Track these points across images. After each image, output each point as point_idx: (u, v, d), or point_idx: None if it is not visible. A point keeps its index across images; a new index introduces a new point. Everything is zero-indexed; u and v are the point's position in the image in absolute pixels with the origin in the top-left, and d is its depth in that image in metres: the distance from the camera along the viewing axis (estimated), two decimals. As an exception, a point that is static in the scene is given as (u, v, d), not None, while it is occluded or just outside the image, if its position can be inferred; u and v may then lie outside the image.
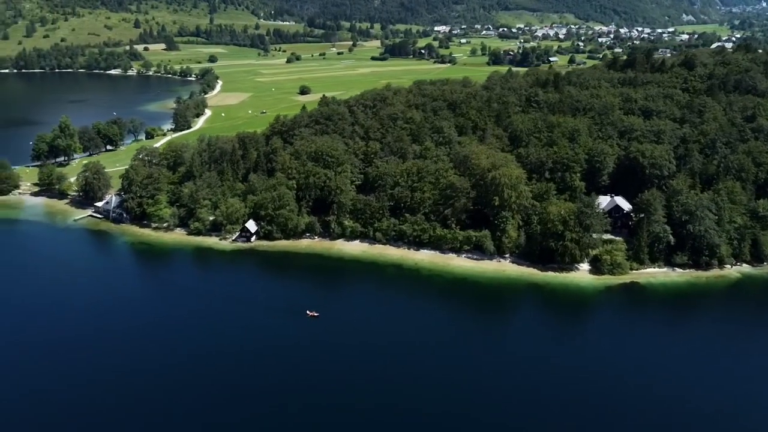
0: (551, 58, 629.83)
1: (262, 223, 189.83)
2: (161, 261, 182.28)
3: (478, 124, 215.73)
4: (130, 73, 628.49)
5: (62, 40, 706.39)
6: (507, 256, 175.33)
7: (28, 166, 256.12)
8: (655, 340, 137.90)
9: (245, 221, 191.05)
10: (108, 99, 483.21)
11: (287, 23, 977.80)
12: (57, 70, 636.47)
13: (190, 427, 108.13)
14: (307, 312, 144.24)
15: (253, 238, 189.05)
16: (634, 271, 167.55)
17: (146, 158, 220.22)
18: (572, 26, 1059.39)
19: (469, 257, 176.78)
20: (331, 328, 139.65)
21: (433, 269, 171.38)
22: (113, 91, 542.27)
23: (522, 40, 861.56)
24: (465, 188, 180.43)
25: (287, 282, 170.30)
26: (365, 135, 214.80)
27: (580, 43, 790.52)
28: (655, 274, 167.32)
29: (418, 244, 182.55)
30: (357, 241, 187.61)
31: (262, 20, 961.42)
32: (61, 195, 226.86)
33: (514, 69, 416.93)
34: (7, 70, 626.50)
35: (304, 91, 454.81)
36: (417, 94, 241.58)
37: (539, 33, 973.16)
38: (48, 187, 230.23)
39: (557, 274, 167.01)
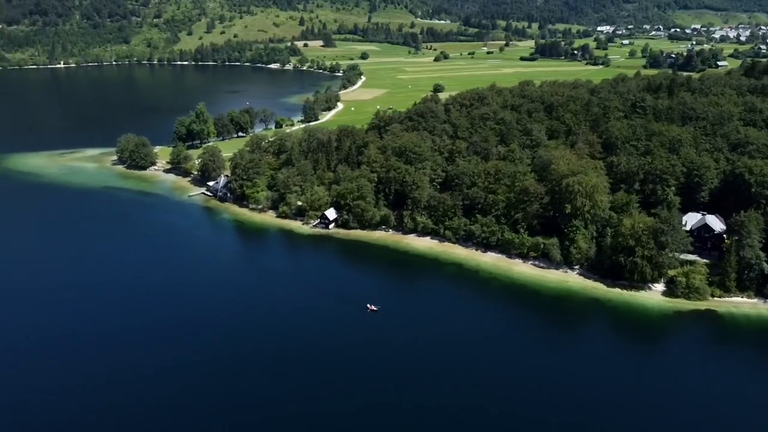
0: (719, 63, 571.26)
1: (342, 212, 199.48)
2: (246, 238, 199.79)
3: (572, 129, 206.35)
4: (287, 67, 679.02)
5: (235, 36, 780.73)
6: (576, 267, 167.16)
7: (170, 146, 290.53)
8: (729, 381, 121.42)
9: (327, 209, 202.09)
10: (259, 90, 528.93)
11: (442, 22, 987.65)
12: (227, 63, 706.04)
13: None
14: (368, 306, 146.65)
15: (331, 226, 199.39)
16: (715, 299, 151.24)
17: (255, 145, 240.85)
18: (763, 27, 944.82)
19: (534, 264, 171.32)
20: (388, 323, 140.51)
21: (493, 272, 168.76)
22: (267, 84, 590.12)
23: (694, 42, 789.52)
24: (539, 193, 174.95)
25: (353, 271, 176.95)
26: (453, 133, 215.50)
27: (763, 47, 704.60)
28: (740, 304, 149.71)
29: (485, 245, 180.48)
30: (428, 238, 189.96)
31: (418, 19, 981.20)
32: (186, 173, 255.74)
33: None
34: (187, 62, 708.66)
35: (437, 89, 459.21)
36: (517, 94, 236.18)
37: (717, 34, 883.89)
38: (176, 166, 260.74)
39: (624, 291, 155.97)
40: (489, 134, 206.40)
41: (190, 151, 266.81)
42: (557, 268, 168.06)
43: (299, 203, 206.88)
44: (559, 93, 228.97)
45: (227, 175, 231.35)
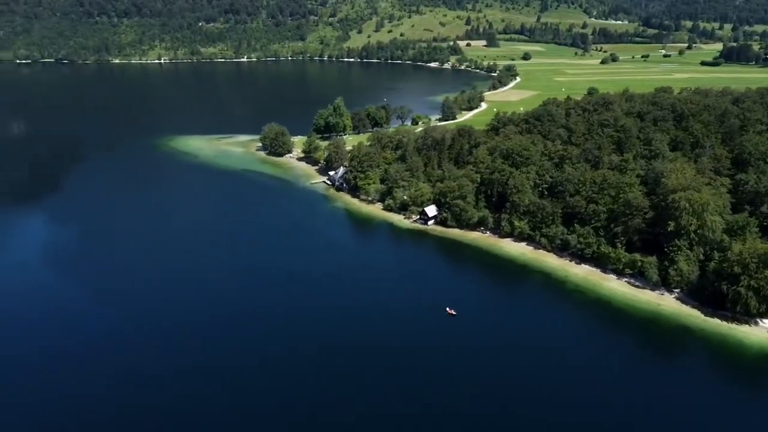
0: None
1: (442, 210, 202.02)
2: (349, 227, 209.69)
3: (699, 141, 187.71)
4: (445, 66, 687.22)
5: (401, 35, 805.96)
6: (674, 290, 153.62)
7: (310, 136, 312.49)
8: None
9: (428, 205, 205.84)
10: (412, 88, 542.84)
11: (617, 22, 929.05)
12: (389, 61, 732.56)
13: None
14: (447, 309, 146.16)
15: (430, 222, 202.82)
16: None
17: (375, 140, 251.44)
18: None
19: (628, 282, 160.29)
20: (462, 330, 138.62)
21: (581, 285, 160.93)
22: (421, 81, 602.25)
23: None
24: (641, 207, 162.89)
25: (440, 270, 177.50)
26: (568, 139, 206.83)
27: None
28: None
29: (580, 257, 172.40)
30: (523, 243, 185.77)
31: (591, 19, 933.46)
32: (315, 162, 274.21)
33: None
34: (353, 59, 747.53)
35: (591, 93, 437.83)
36: (647, 101, 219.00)
37: None
38: (308, 155, 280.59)
39: (723, 323, 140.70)
40: (604, 142, 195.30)
41: (323, 143, 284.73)
42: (652, 289, 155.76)
43: (404, 198, 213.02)
44: (695, 101, 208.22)
45: (346, 166, 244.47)
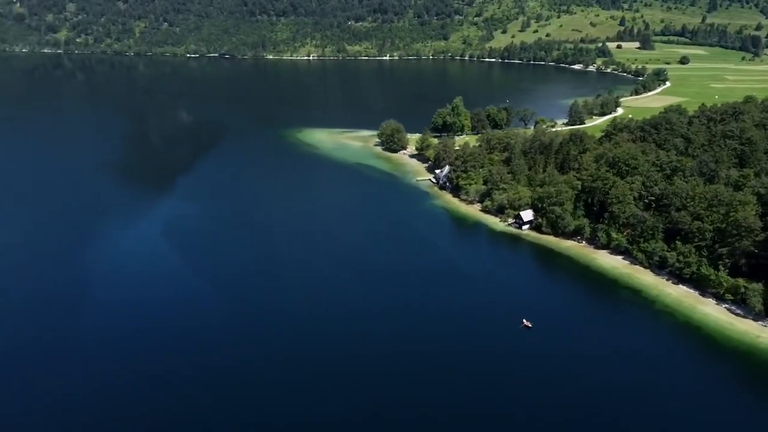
0: None
1: (538, 215, 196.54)
2: (443, 225, 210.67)
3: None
4: (590, 69, 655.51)
5: (547, 35, 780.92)
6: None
7: (426, 134, 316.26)
8: None
9: (525, 209, 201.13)
10: (549, 90, 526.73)
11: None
12: (531, 62, 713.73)
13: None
14: (523, 321, 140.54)
15: (525, 227, 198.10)
16: None
17: (484, 141, 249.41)
18: None
19: (727, 308, 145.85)
20: (535, 343, 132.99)
21: (671, 307, 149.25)
22: (560, 84, 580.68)
23: None
24: (753, 228, 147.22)
25: (523, 278, 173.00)
26: (684, 149, 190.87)
27: None
28: None
29: (678, 276, 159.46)
30: (619, 257, 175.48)
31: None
32: (426, 160, 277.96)
33: None
34: (494, 59, 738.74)
35: (748, 101, 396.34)
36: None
37: None
38: (420, 153, 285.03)
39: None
40: (724, 154, 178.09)
41: (435, 141, 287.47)
42: (754, 319, 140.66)
43: (502, 200, 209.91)
44: None
45: (451, 165, 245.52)
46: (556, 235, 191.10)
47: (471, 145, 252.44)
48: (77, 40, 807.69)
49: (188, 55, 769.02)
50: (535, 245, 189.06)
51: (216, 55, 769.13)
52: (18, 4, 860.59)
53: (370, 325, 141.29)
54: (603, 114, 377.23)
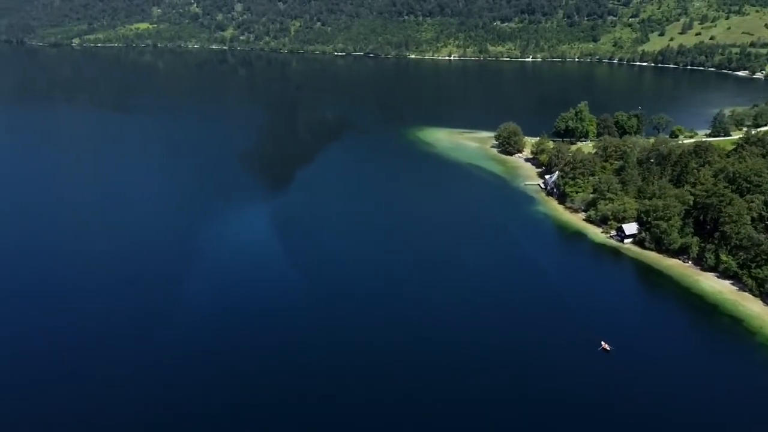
0: None
1: (641, 229, 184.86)
2: (541, 231, 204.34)
3: None
4: (756, 75, 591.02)
5: (711, 38, 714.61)
6: None
7: (544, 138, 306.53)
8: None
9: (629, 222, 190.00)
10: (700, 98, 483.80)
11: None
12: (689, 67, 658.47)
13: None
14: (602, 343, 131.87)
15: (627, 240, 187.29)
16: None
17: (601, 148, 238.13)
18: None
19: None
20: (613, 370, 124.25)
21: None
22: (718, 92, 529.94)
23: None
24: None
25: (614, 296, 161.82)
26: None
27: None
28: None
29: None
30: (726, 281, 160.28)
31: None
32: (540, 165, 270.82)
33: None
34: (646, 63, 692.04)
35: None
36: None
37: None
38: (535, 156, 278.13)
39: None
40: None
41: (550, 145, 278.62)
42: None
43: (606, 210, 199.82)
44: None
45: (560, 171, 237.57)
46: (659, 251, 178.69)
47: (585, 151, 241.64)
48: (241, 37, 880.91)
49: (335, 54, 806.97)
50: (634, 261, 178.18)
51: (361, 53, 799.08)
52: (195, 5, 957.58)
53: (434, 326, 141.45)
54: (757, 126, 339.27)
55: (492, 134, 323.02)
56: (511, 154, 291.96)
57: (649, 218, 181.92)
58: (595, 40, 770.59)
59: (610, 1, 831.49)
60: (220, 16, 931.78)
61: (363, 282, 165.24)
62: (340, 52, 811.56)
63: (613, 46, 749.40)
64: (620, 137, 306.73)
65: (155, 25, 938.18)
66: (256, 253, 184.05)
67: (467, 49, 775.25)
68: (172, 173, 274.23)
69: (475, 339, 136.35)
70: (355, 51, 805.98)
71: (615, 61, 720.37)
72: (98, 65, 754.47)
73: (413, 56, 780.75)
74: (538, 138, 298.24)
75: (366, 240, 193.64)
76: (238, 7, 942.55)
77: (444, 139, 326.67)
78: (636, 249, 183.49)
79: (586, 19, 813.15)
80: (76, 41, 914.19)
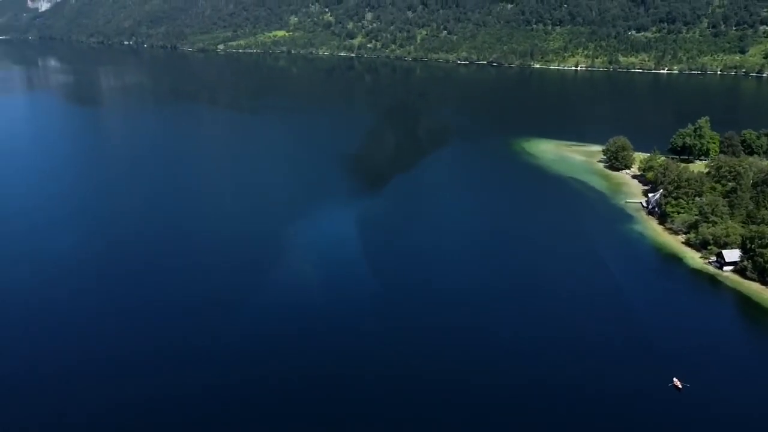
0: None
1: (744, 256, 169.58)
2: (631, 252, 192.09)
3: None
4: None
5: None
6: None
7: (656, 154, 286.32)
8: None
9: (732, 248, 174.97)
10: None
11: None
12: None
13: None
14: (674, 380, 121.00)
15: (726, 268, 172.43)
16: None
17: (714, 168, 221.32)
18: None
19: None
20: (682, 411, 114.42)
21: None
22: None
23: None
24: None
25: (702, 328, 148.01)
26: None
27: None
28: None
29: None
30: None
31: None
32: (646, 182, 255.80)
33: None
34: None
35: None
36: None
37: None
38: (642, 173, 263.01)
39: None
40: None
41: (659, 162, 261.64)
42: None
43: (707, 234, 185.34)
44: None
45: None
46: (763, 283, 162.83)
47: (695, 171, 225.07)
48: (368, 45, 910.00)
49: (458, 62, 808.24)
50: (732, 291, 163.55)
51: (484, 62, 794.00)
52: (329, 14, 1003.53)
53: (495, 349, 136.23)
54: None
55: (600, 148, 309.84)
56: (618, 169, 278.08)
57: (754, 245, 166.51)
58: (742, 52, 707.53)
59: (765, 9, 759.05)
60: (350, 25, 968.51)
61: (440, 295, 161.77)
62: (463, 60, 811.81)
63: (764, 58, 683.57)
64: (748, 156, 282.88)
65: (291, 33, 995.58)
66: (342, 252, 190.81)
67: (596, 60, 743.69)
68: (281, 169, 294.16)
69: (537, 375, 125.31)
70: (479, 59, 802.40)
71: (765, 75, 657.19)
72: (239, 70, 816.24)
73: (538, 66, 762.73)
74: (648, 154, 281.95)
75: (444, 250, 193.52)
76: (369, 15, 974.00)
77: (550, 151, 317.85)
78: (736, 278, 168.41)
79: (734, 28, 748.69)
80: (220, 47, 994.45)
